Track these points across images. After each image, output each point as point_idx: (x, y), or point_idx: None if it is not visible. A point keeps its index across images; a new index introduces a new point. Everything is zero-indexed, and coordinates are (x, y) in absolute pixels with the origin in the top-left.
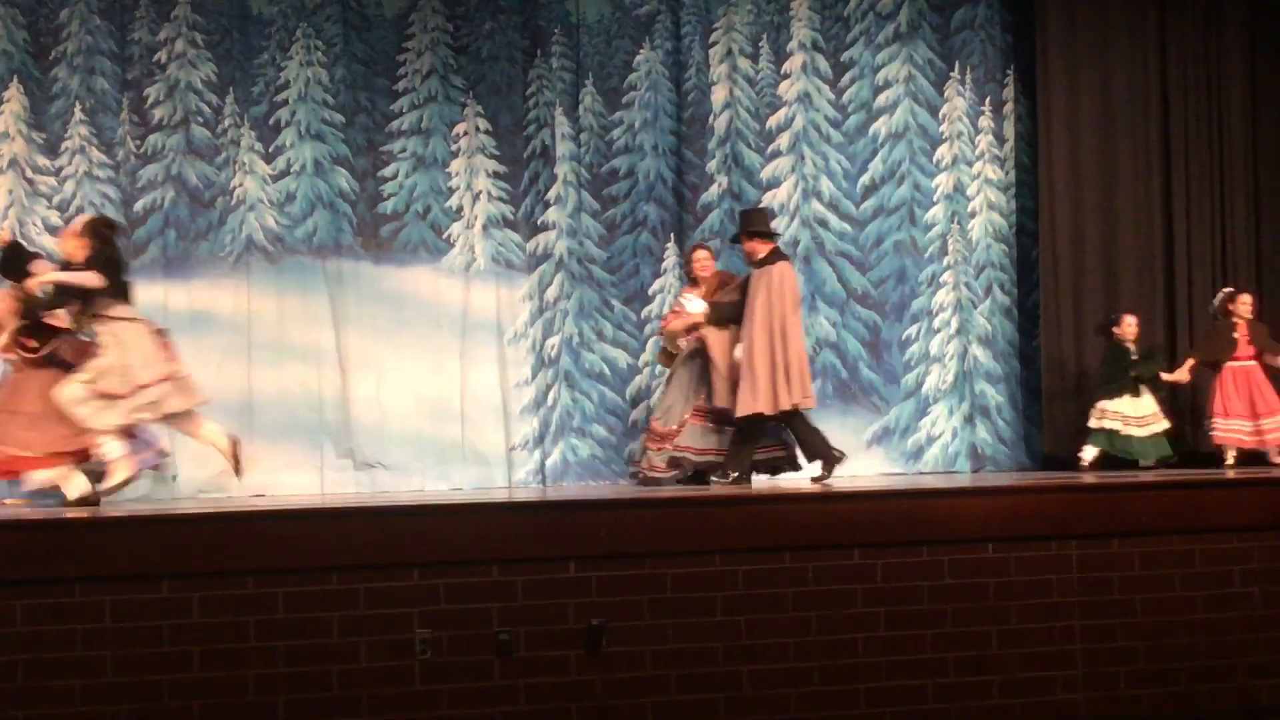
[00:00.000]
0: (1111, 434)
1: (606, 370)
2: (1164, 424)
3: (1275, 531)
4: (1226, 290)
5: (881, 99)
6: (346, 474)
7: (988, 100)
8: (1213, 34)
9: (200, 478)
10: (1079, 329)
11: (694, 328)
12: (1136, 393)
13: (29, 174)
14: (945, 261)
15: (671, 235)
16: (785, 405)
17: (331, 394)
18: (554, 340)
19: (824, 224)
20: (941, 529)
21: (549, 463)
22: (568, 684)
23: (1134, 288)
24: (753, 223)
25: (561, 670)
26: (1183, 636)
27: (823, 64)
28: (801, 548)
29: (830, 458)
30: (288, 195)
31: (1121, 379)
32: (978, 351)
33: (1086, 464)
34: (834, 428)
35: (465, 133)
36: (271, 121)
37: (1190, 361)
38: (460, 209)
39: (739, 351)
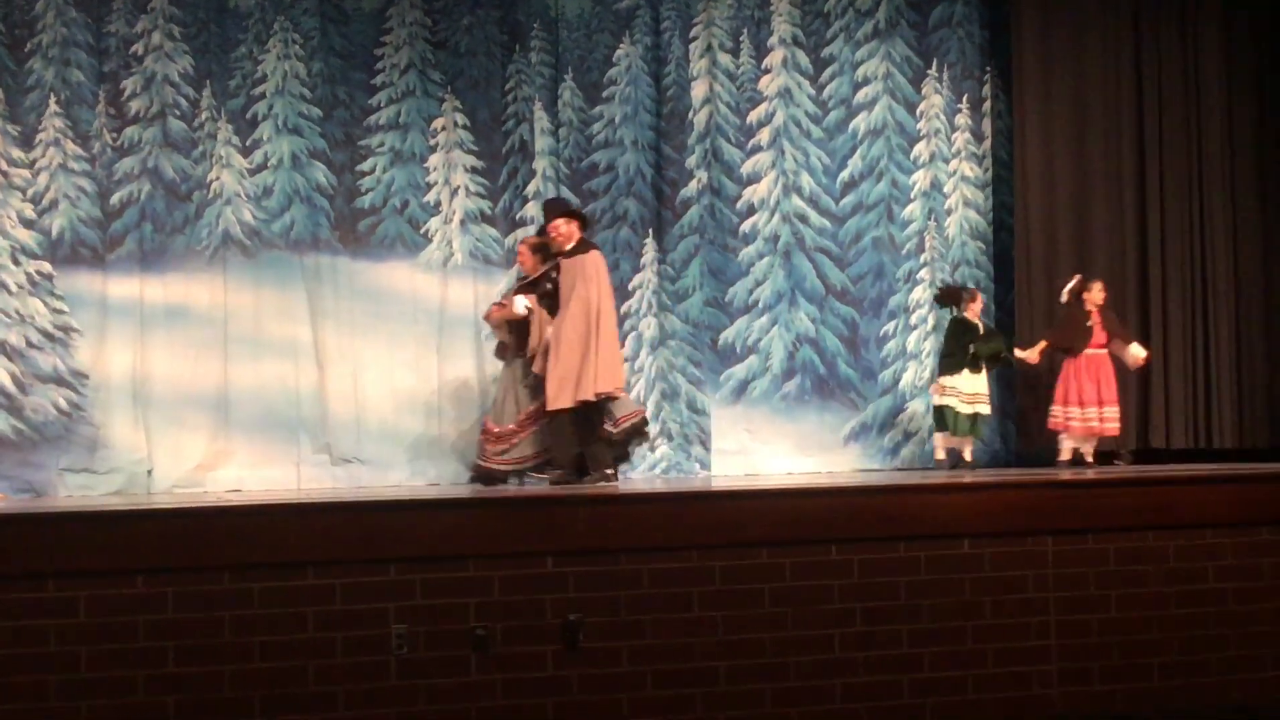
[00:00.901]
0: (955, 412)
1: None
2: (987, 407)
3: (1248, 527)
4: (1079, 277)
5: (861, 95)
6: (323, 469)
7: (965, 98)
8: (1188, 30)
9: (175, 473)
10: (1054, 325)
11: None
12: (976, 369)
13: (3, 166)
14: (922, 258)
15: (651, 230)
16: (589, 395)
17: (308, 389)
18: None
19: (804, 219)
20: (918, 525)
21: None
22: (544, 679)
23: (1108, 284)
24: (557, 210)
25: (538, 666)
26: (1157, 632)
27: (803, 59)
28: (778, 543)
29: (594, 470)
30: (265, 189)
31: (961, 355)
32: None
33: (942, 458)
34: (812, 424)
35: (443, 127)
36: (249, 115)
37: (1042, 344)
38: (438, 204)
39: (549, 332)
